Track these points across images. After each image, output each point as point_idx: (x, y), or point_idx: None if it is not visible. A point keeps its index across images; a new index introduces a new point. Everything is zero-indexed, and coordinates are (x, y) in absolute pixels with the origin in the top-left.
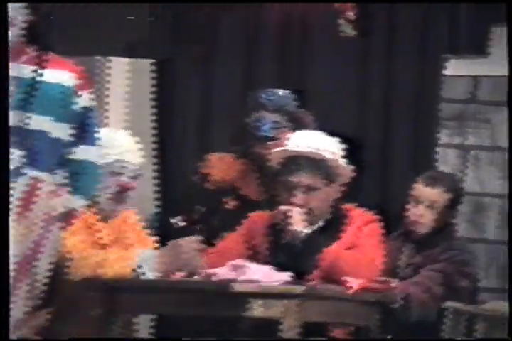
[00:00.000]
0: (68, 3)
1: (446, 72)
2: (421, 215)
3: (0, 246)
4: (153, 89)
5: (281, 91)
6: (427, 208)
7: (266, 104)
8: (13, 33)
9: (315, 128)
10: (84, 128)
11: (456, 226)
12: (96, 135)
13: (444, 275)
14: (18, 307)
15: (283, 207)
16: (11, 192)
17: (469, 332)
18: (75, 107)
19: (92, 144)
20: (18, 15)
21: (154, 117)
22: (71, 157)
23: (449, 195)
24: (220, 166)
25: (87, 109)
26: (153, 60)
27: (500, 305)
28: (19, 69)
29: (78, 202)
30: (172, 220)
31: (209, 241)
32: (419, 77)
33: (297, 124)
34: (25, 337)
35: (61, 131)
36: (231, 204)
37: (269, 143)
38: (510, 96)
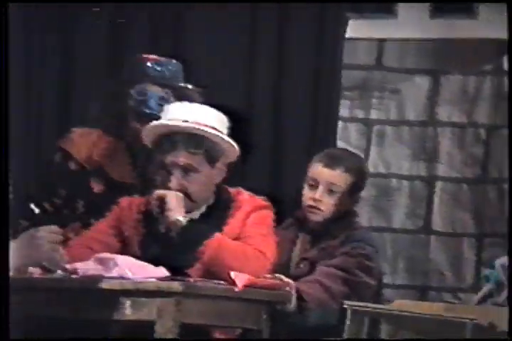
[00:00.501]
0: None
1: (348, 34)
2: (318, 200)
3: (0, 246)
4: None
5: (171, 61)
6: (325, 192)
7: (153, 76)
8: None
9: (200, 103)
10: None
11: (357, 213)
12: None
13: (344, 271)
14: None
15: (157, 192)
16: None
17: (372, 334)
18: None
19: None
20: None
21: (1, 82)
22: None
23: (351, 178)
24: (84, 143)
25: None
26: None
27: (407, 304)
28: None
29: None
30: (32, 208)
31: (70, 231)
32: (317, 40)
33: (183, 100)
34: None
35: None
36: (98, 187)
37: (149, 122)
38: (511, 96)
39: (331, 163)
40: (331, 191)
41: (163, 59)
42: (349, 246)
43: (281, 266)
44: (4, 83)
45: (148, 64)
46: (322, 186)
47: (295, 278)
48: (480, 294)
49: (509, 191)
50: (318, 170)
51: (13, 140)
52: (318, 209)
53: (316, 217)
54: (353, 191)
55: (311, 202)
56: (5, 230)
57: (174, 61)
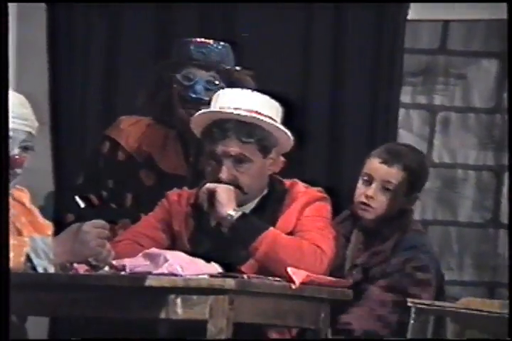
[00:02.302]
0: None
1: (409, 16)
2: (370, 197)
3: (0, 246)
4: (47, 39)
5: (217, 44)
6: (379, 190)
7: (198, 59)
8: None
9: (253, 90)
10: None
11: (412, 214)
12: None
13: (398, 293)
14: None
15: (207, 186)
16: None
17: (438, 333)
18: None
19: None
20: None
21: (49, 74)
22: None
23: (408, 176)
24: (133, 132)
25: None
26: (47, 5)
27: (475, 302)
28: None
29: None
30: (77, 201)
31: (119, 226)
32: (377, 23)
33: (234, 85)
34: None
35: None
36: (147, 179)
37: (198, 108)
38: (511, 96)
39: (389, 159)
40: (385, 189)
41: (207, 41)
42: (401, 258)
43: (336, 263)
44: (5, 82)
45: (192, 47)
46: (376, 183)
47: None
48: None
49: (509, 187)
50: (374, 165)
51: (59, 130)
52: (370, 206)
53: (367, 215)
54: (410, 190)
55: (363, 199)
56: (5, 231)
57: (221, 43)
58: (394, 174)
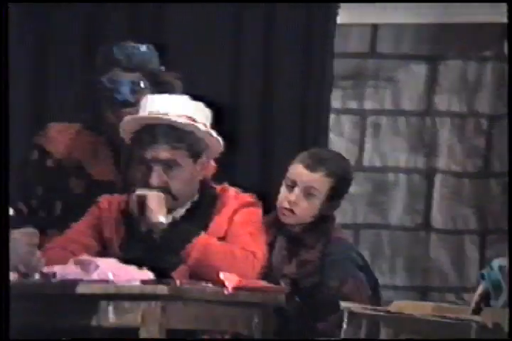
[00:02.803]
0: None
1: (339, 20)
2: (293, 203)
3: (0, 246)
4: None
5: (140, 46)
6: (303, 195)
7: (121, 61)
8: None
9: (181, 93)
10: None
11: (335, 220)
12: None
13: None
14: None
15: (137, 193)
16: None
17: (371, 336)
18: None
19: None
20: None
21: None
22: None
23: (332, 182)
24: (62, 139)
25: None
26: None
27: (408, 306)
28: None
29: None
30: (8, 209)
31: (49, 233)
32: (307, 27)
33: (161, 88)
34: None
35: None
36: (77, 187)
37: (124, 110)
38: (510, 95)
39: (313, 164)
40: (308, 194)
41: (129, 43)
42: (335, 279)
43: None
44: (4, 83)
45: (115, 50)
46: (299, 188)
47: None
48: (476, 294)
49: (509, 185)
50: (297, 170)
51: None
52: (292, 212)
53: (289, 220)
54: (333, 196)
55: (286, 204)
56: (5, 231)
57: (144, 45)
58: (317, 180)
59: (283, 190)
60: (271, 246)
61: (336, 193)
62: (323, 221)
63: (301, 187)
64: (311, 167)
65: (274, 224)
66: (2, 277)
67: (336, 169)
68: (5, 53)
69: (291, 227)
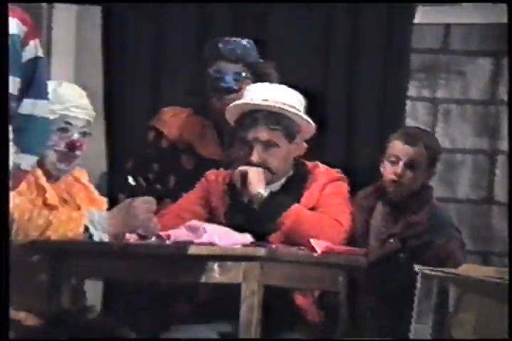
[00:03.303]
0: None
1: (416, 20)
2: (400, 175)
3: (0, 245)
4: (102, 38)
5: (242, 41)
6: (407, 168)
7: (226, 54)
8: None
9: (278, 82)
10: (32, 80)
11: (432, 187)
12: (44, 88)
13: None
14: None
15: (240, 168)
16: None
17: (441, 296)
18: (23, 57)
19: (41, 98)
20: None
21: (103, 69)
22: (19, 111)
23: (429, 153)
24: (175, 123)
25: (35, 60)
26: (102, 7)
27: (473, 268)
28: None
29: (24, 160)
30: (128, 180)
31: (164, 202)
32: (388, 27)
33: (260, 77)
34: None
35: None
36: (188, 164)
37: (228, 96)
38: (511, 94)
39: (411, 140)
40: (412, 166)
41: (232, 39)
42: (442, 238)
43: (360, 234)
44: (4, 82)
45: (220, 44)
46: (403, 162)
47: (382, 255)
48: None
49: (509, 189)
50: (399, 147)
51: (111, 119)
52: (400, 183)
53: (396, 190)
54: (431, 166)
55: (393, 177)
56: (5, 231)
57: (245, 40)
58: (418, 153)
59: (387, 165)
60: (370, 211)
61: (433, 163)
62: (423, 190)
63: (404, 160)
64: (411, 142)
65: (373, 194)
66: (2, 277)
67: (430, 142)
68: (5, 53)
69: (397, 196)
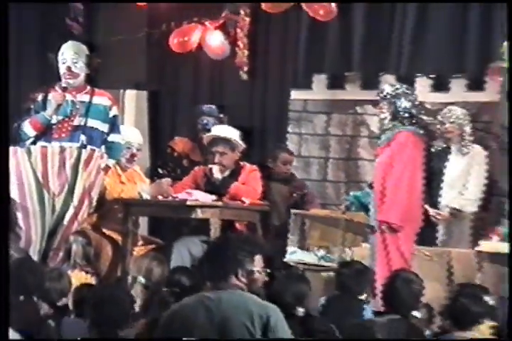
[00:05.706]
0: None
1: None
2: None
3: (0, 245)
4: (147, 109)
5: (212, 106)
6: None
7: (207, 113)
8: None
9: (228, 125)
10: (114, 125)
11: None
12: (119, 129)
13: None
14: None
15: (210, 165)
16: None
17: (302, 225)
18: (109, 115)
19: (118, 133)
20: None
21: (148, 121)
22: (108, 140)
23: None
24: (181, 145)
25: (115, 116)
26: (147, 92)
27: (318, 211)
28: (82, 98)
29: (111, 162)
30: (159, 171)
31: (175, 181)
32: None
33: (220, 122)
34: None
35: (103, 127)
36: (186, 164)
37: (206, 132)
38: (510, 95)
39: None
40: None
41: (210, 106)
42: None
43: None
44: (4, 82)
45: (204, 108)
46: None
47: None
48: None
49: (509, 190)
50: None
51: (156, 143)
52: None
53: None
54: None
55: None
56: (5, 229)
57: (214, 106)
58: None
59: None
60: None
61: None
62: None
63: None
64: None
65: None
66: (2, 277)
67: None
68: (5, 53)
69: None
